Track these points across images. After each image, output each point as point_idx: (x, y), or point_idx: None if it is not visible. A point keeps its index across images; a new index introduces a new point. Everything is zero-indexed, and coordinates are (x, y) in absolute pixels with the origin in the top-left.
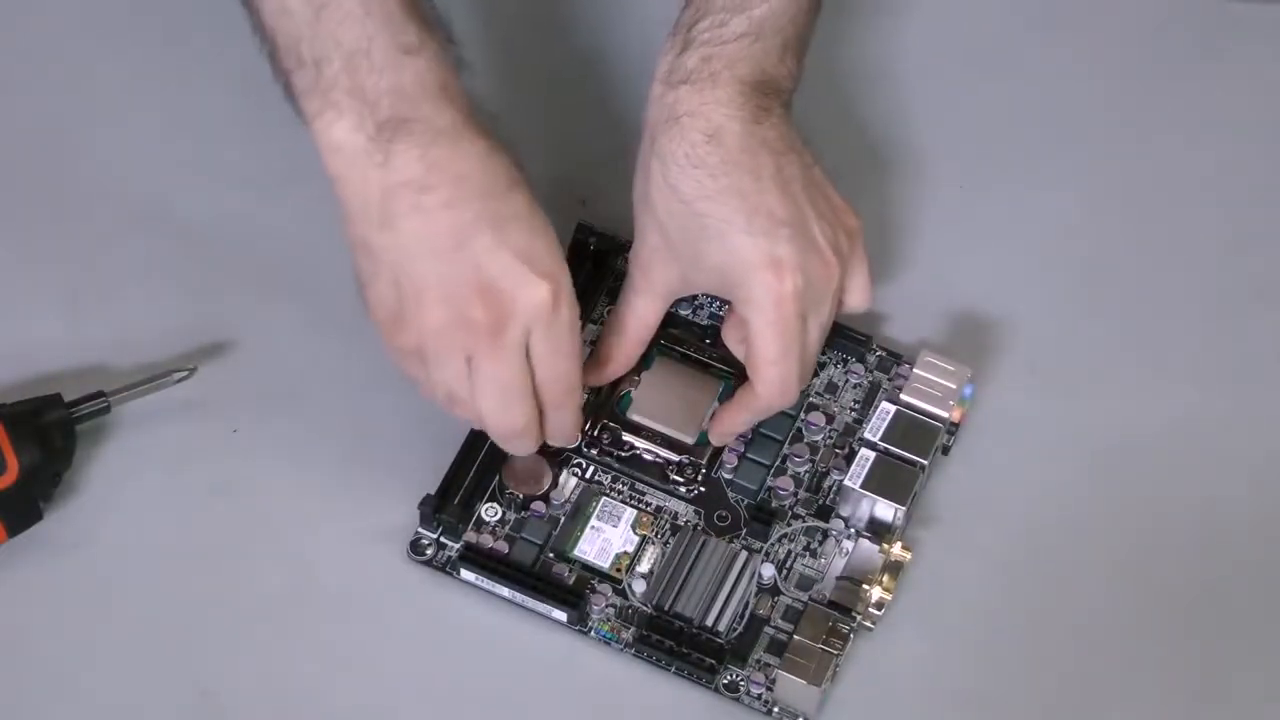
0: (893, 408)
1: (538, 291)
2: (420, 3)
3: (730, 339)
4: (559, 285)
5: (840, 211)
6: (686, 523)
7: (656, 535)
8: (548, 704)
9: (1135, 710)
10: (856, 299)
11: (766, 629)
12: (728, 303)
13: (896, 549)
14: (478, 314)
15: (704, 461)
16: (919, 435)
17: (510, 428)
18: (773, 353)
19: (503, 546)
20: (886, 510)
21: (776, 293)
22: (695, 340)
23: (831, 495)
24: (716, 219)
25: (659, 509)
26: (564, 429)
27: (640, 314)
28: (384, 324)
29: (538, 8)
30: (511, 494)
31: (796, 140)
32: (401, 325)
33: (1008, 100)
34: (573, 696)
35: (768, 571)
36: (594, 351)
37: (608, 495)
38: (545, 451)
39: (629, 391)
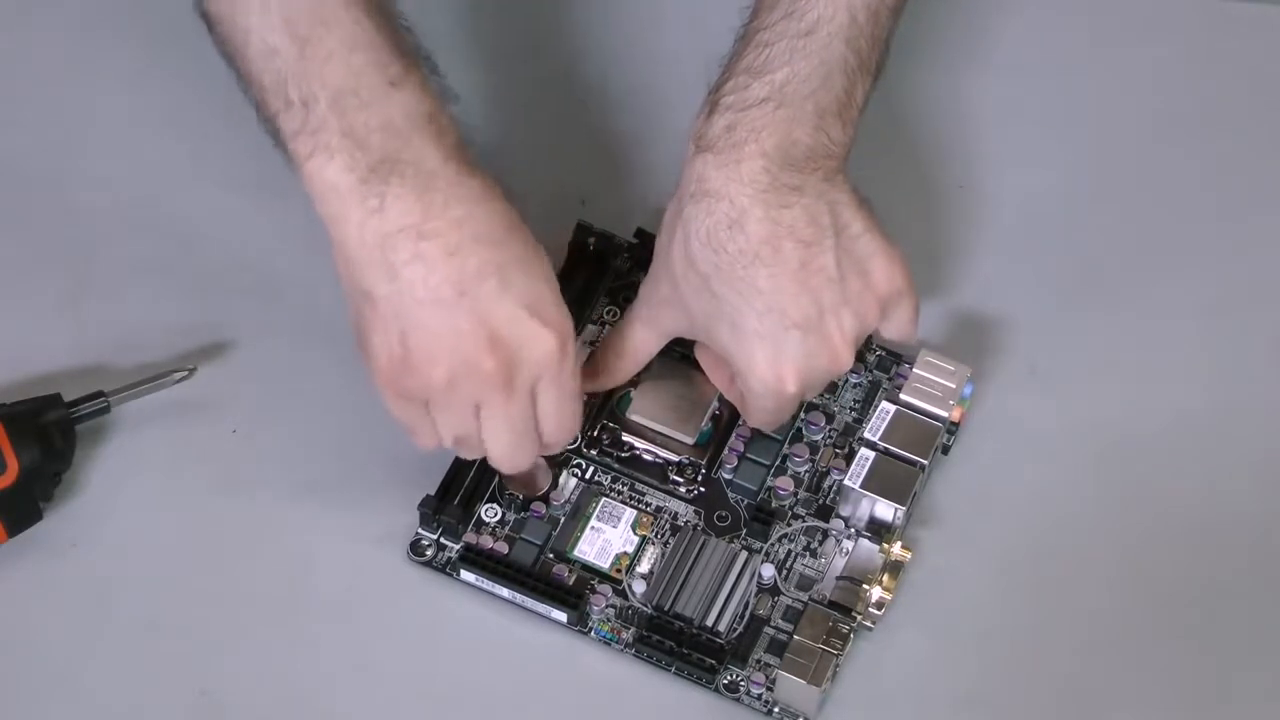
0: (892, 407)
1: (546, 343)
2: (401, 35)
3: (705, 362)
4: (564, 334)
5: (878, 281)
6: (686, 523)
7: (656, 535)
8: (548, 704)
9: (1136, 709)
10: (896, 334)
11: (766, 629)
12: None
13: (896, 549)
14: (487, 365)
15: (704, 462)
16: (919, 435)
17: (518, 465)
18: (759, 416)
19: (503, 547)
20: (886, 510)
21: (776, 392)
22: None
23: (831, 495)
24: (729, 305)
25: (659, 509)
26: (561, 447)
27: (641, 341)
28: (386, 372)
29: (538, 8)
30: (511, 495)
31: (841, 211)
32: (406, 374)
33: (1007, 99)
34: (573, 697)
35: (768, 571)
36: (590, 357)
37: (607, 496)
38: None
39: (629, 391)
